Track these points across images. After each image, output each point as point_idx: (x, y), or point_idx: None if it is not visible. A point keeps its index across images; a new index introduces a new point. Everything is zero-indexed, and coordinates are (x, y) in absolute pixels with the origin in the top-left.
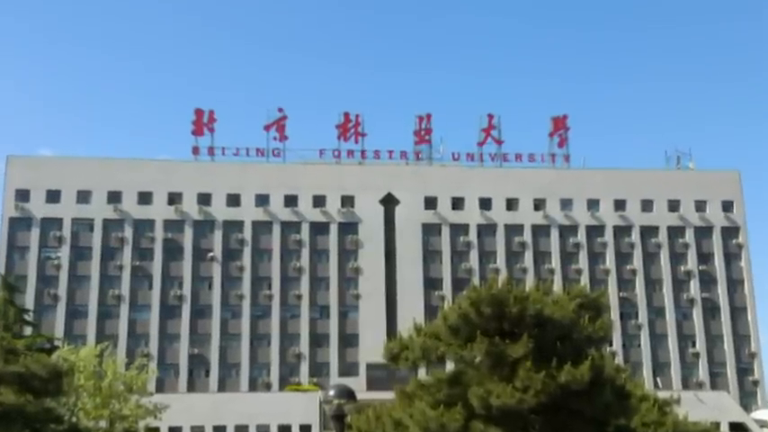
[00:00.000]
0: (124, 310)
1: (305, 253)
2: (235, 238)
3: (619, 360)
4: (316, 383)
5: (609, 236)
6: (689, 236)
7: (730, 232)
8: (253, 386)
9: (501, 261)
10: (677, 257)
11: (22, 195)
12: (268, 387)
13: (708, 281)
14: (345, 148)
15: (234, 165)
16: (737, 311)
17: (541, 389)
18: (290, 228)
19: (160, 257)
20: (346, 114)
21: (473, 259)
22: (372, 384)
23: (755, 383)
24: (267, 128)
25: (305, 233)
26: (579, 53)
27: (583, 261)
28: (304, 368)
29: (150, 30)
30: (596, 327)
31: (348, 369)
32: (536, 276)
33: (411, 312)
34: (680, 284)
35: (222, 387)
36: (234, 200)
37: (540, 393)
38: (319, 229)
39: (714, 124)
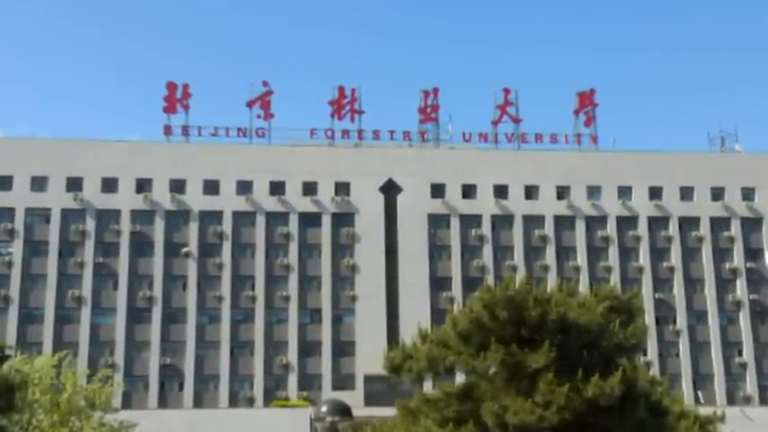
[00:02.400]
0: (85, 314)
1: (293, 248)
2: (213, 231)
3: (654, 371)
4: (306, 398)
5: (643, 228)
6: (735, 228)
7: None
8: (233, 401)
9: (519, 257)
10: (721, 253)
11: None
12: (251, 402)
13: (756, 280)
14: (340, 128)
15: (212, 147)
16: None
17: (565, 404)
18: (276, 219)
19: (127, 253)
20: (341, 89)
21: (486, 255)
22: (371, 399)
23: None
24: (250, 104)
25: (293, 225)
26: (608, 19)
27: (613, 257)
28: (292, 381)
29: None
30: (628, 333)
31: (343, 381)
32: (559, 275)
33: (415, 316)
34: (724, 284)
35: (198, 402)
36: (212, 187)
37: (563, 409)
38: (310, 220)
39: (763, 101)
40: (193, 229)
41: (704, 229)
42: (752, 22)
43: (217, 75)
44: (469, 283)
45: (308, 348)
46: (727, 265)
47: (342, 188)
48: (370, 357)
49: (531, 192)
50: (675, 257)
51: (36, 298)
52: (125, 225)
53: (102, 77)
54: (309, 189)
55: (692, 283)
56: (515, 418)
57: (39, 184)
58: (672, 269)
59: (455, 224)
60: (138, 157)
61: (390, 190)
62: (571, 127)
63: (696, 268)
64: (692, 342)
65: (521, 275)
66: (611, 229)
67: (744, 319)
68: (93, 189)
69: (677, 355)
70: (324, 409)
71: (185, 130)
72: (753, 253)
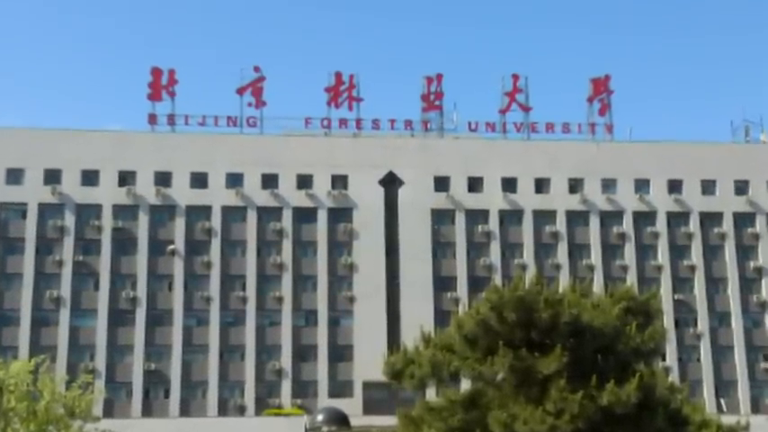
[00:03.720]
0: (64, 316)
1: (287, 245)
2: (200, 227)
3: (673, 377)
4: (300, 406)
5: (661, 224)
6: (760, 224)
7: None
8: (223, 410)
9: (528, 255)
10: (745, 250)
11: None
12: (241, 411)
13: None
14: (337, 117)
15: (199, 137)
16: None
17: (578, 413)
18: (268, 214)
19: (108, 251)
20: (338, 75)
21: (494, 253)
22: (370, 407)
23: None
24: (240, 91)
25: (287, 221)
26: None
27: (629, 255)
28: (286, 387)
29: None
30: (646, 336)
31: (340, 388)
32: (571, 274)
33: (417, 319)
34: (749, 284)
35: (185, 411)
36: (199, 180)
37: (576, 418)
38: (304, 215)
39: None
40: (180, 224)
41: (727, 225)
42: None
43: (205, 59)
44: (475, 283)
45: (303, 353)
46: (752, 264)
47: (339, 181)
48: (370, 362)
49: (541, 185)
50: (696, 255)
51: (11, 299)
52: (107, 221)
53: (81, 63)
54: (304, 182)
55: (714, 283)
56: (525, 428)
57: (14, 176)
58: (692, 268)
59: (460, 220)
60: (120, 148)
61: (391, 183)
62: (584, 116)
63: (718, 267)
64: (714, 346)
65: (530, 275)
66: (627, 224)
67: None
68: (73, 182)
69: (698, 359)
70: (320, 417)
71: (171, 119)
72: None
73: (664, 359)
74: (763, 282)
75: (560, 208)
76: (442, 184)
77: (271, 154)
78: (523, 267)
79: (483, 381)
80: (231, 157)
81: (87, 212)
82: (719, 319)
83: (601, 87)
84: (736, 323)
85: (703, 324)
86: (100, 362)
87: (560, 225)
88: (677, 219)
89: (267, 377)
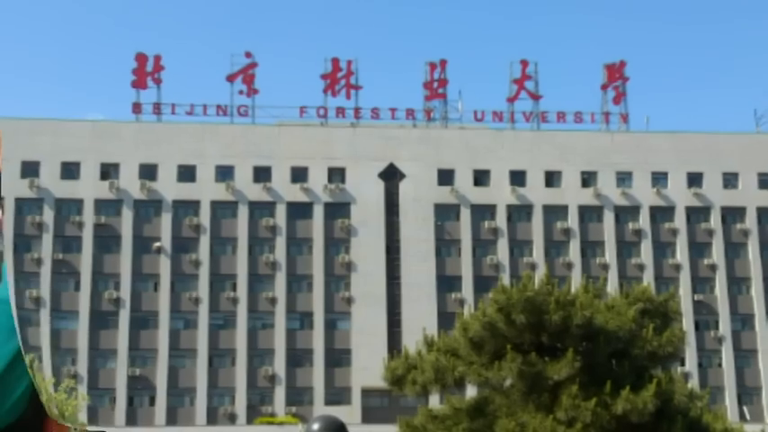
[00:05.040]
0: (44, 318)
1: (280, 243)
2: (188, 224)
3: (693, 383)
4: (295, 414)
5: (680, 220)
6: None
7: None
8: (212, 418)
9: (538, 253)
10: None
11: None
12: (232, 419)
13: None
14: (334, 106)
15: (187, 127)
16: None
17: (591, 421)
18: (260, 209)
19: (90, 248)
20: (335, 61)
21: (501, 251)
22: (369, 415)
23: None
24: (231, 78)
25: (280, 217)
26: None
27: (645, 253)
28: (279, 394)
29: None
30: (663, 340)
31: (337, 395)
32: (584, 273)
33: (420, 321)
34: None
35: (172, 419)
36: (187, 173)
37: (589, 427)
38: (299, 210)
39: None
40: (166, 220)
41: (750, 221)
42: None
43: (193, 44)
44: (482, 283)
45: (298, 357)
46: None
47: (336, 174)
48: (369, 368)
49: (552, 178)
50: (717, 253)
51: None
52: (88, 216)
53: (61, 48)
54: (299, 175)
55: (737, 283)
56: None
57: None
58: (713, 267)
59: (465, 215)
60: (102, 139)
61: (391, 176)
62: (598, 104)
63: (741, 265)
64: (737, 350)
65: (540, 274)
66: (643, 220)
67: None
68: (52, 175)
69: (719, 364)
70: (315, 426)
71: (157, 108)
72: None
73: (683, 364)
74: None
75: (572, 203)
76: (445, 177)
77: (263, 145)
78: (533, 266)
79: (490, 387)
80: (221, 149)
81: (67, 208)
82: (742, 321)
83: (615, 74)
84: (760, 326)
85: (725, 327)
86: (81, 367)
87: (572, 221)
88: (697, 214)
89: (259, 383)
